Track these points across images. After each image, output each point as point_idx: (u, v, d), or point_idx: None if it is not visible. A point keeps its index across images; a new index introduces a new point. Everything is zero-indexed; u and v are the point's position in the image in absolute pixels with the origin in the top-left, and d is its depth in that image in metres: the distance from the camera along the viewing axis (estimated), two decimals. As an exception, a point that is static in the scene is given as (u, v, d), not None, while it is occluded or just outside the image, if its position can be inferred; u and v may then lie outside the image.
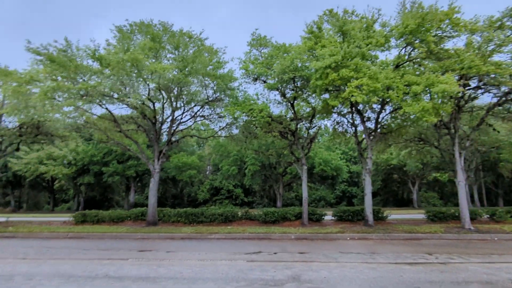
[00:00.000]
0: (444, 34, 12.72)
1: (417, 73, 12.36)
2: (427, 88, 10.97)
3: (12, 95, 11.60)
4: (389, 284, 6.19)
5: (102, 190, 52.32)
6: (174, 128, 16.35)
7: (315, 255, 9.18)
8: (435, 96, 11.43)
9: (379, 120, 15.20)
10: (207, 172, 59.69)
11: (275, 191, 46.38)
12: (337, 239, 12.55)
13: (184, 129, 17.32)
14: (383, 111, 14.81)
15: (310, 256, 9.11)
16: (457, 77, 12.32)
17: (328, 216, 16.82)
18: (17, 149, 16.52)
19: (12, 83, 11.66)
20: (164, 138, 17.54)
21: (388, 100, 14.48)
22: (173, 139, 16.67)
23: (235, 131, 18.47)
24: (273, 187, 47.63)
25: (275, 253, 9.56)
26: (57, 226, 15.30)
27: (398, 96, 11.05)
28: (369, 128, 15.61)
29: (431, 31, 11.80)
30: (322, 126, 17.28)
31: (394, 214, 17.73)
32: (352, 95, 10.80)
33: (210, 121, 17.26)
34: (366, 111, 16.43)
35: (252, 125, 17.02)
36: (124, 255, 9.44)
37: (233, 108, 13.88)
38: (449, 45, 13.83)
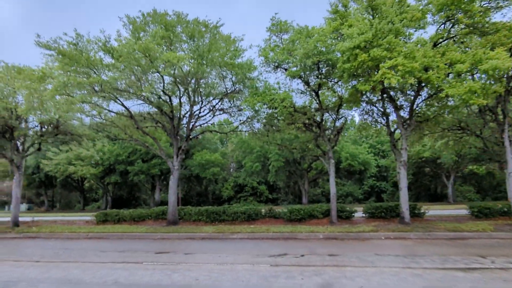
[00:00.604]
0: (490, 5, 11.11)
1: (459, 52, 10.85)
2: (473, 67, 9.53)
3: (26, 94, 11.39)
4: (443, 298, 5.09)
5: (129, 189, 53.39)
6: (193, 123, 15.73)
7: (347, 258, 8.13)
8: (483, 75, 9.94)
9: (414, 107, 13.73)
10: (231, 169, 59.41)
11: (300, 187, 45.19)
12: (370, 238, 11.37)
13: (203, 124, 16.67)
14: (418, 96, 13.35)
15: (342, 259, 8.07)
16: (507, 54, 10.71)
17: (358, 213, 15.58)
18: (39, 149, 16.53)
19: (25, 81, 11.46)
20: (184, 134, 16.97)
21: (423, 85, 13.05)
22: (192, 135, 16.04)
23: (257, 125, 17.60)
24: (298, 183, 46.43)
25: (302, 256, 8.60)
26: (79, 226, 15.15)
27: (438, 77, 9.68)
28: (403, 116, 14.20)
29: (476, 1, 10.29)
30: (349, 118, 15.86)
31: (429, 210, 16.17)
32: (385, 77, 9.57)
33: (230, 115, 16.48)
34: (398, 98, 15.00)
35: (274, 118, 16.07)
36: (139, 257, 8.83)
37: (253, 99, 12.96)
38: (496, 17, 12.17)
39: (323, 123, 15.05)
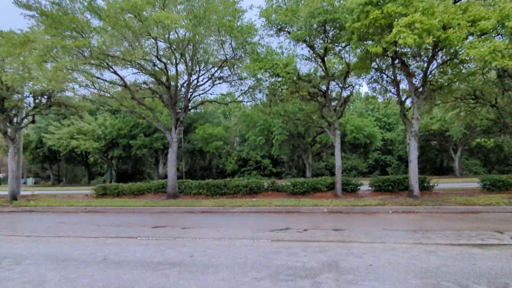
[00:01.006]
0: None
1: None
2: (499, 24, 8.50)
3: (10, 61, 10.62)
4: (462, 278, 4.53)
5: (133, 163, 53.45)
6: (191, 93, 14.90)
7: (354, 234, 7.62)
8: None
9: (427, 74, 12.75)
10: (235, 143, 59.02)
11: (304, 161, 44.81)
12: (377, 212, 10.87)
13: (202, 94, 15.85)
14: (434, 60, 12.34)
15: (348, 234, 7.56)
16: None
17: (364, 187, 15.07)
18: (33, 121, 15.96)
19: (7, 46, 10.61)
20: (182, 105, 16.19)
21: (438, 50, 12.02)
22: (191, 105, 15.30)
23: (259, 96, 16.75)
24: (302, 157, 46.00)
25: (305, 230, 8.12)
26: (77, 200, 14.86)
27: (459, 37, 8.69)
28: (415, 84, 13.25)
29: None
30: (356, 88, 14.89)
31: (438, 184, 15.57)
32: (400, 37, 8.60)
33: (230, 84, 15.59)
34: (410, 65, 13.97)
35: (277, 88, 15.21)
36: (135, 232, 8.42)
37: (254, 65, 12.04)
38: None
39: (329, 92, 14.17)
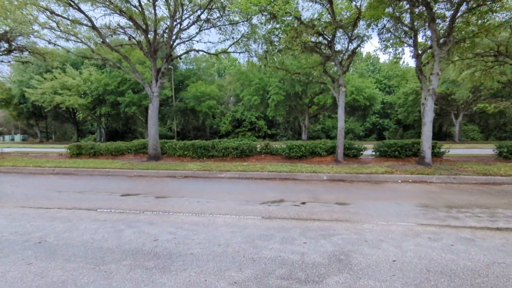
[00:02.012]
0: None
1: None
2: None
3: None
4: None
5: (124, 121, 51.38)
6: (174, 39, 12.71)
7: (362, 210, 6.24)
8: None
9: (455, 21, 10.73)
10: (230, 104, 56.86)
11: (300, 123, 43.27)
12: (384, 181, 9.51)
13: (187, 40, 13.59)
14: (464, 2, 10.28)
15: (355, 211, 6.18)
16: None
17: (367, 151, 13.65)
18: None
19: None
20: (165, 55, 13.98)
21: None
22: (175, 55, 13.17)
23: (254, 47, 14.61)
24: (298, 119, 44.34)
25: (303, 203, 6.73)
26: (47, 160, 13.28)
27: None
28: (438, 31, 11.23)
29: None
30: (365, 41, 12.76)
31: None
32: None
33: (220, 30, 13.37)
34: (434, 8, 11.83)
35: (275, 35, 13.12)
36: (97, 202, 6.97)
37: (247, 1, 9.92)
38: None
39: (335, 40, 12.13)
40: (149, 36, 12.07)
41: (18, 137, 65.24)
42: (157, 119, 12.83)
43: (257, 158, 13.05)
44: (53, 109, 41.09)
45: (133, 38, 12.55)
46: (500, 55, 14.45)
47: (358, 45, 12.02)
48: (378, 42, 13.68)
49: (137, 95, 38.85)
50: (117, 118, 46.61)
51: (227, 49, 14.11)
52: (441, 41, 10.71)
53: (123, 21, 12.55)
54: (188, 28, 12.91)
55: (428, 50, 11.69)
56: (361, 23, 12.85)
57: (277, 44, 12.92)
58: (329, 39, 11.73)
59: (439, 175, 9.60)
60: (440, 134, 47.20)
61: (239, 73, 39.99)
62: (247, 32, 13.79)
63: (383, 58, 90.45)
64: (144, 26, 11.73)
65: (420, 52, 11.46)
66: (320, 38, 12.06)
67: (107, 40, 12.01)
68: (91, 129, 63.43)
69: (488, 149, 17.36)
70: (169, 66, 45.84)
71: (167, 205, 6.68)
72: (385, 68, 65.57)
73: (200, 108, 39.80)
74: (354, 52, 12.09)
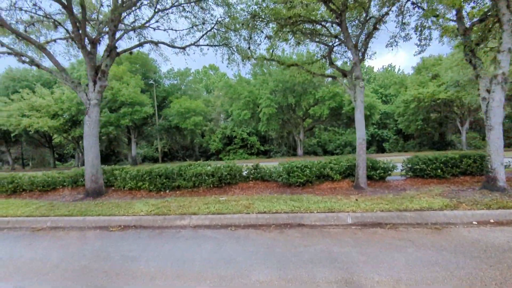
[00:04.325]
0: None
1: None
2: None
3: None
4: None
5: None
6: (116, 23, 8.88)
7: None
8: None
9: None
10: (220, 120, 53.31)
11: (295, 138, 39.67)
12: (449, 224, 5.67)
13: (139, 26, 9.73)
14: None
15: None
16: None
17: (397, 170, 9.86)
18: None
19: None
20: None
21: None
22: (122, 47, 9.43)
23: (235, 40, 11.03)
24: (292, 133, 40.75)
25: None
26: None
27: None
28: None
29: None
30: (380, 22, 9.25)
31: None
32: None
33: (184, 10, 9.73)
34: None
35: (260, 20, 9.61)
36: None
37: None
38: None
39: (345, 17, 8.54)
40: (77, 15, 8.32)
41: (-12, 165, 60.27)
42: (97, 138, 8.95)
43: (242, 188, 9.15)
44: (25, 132, 37.05)
45: (57, 22, 8.83)
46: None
47: (380, 19, 8.42)
48: (396, 27, 10.20)
49: (115, 114, 35.09)
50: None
51: (198, 41, 10.45)
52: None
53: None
54: (138, 8, 9.26)
55: (477, 25, 8.15)
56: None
57: (263, 28, 9.37)
58: (339, 12, 8.12)
59: (534, 208, 5.83)
60: (440, 144, 43.94)
61: (227, 86, 36.58)
62: (224, 20, 10.22)
63: (377, 66, 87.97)
64: (65, 2, 7.99)
65: (468, 25, 7.94)
66: (321, 25, 8.48)
67: (22, 27, 8.32)
68: (73, 153, 59.06)
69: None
70: (151, 81, 42.29)
71: None
72: (380, 77, 63.24)
73: (185, 125, 36.01)
74: (375, 27, 8.51)
